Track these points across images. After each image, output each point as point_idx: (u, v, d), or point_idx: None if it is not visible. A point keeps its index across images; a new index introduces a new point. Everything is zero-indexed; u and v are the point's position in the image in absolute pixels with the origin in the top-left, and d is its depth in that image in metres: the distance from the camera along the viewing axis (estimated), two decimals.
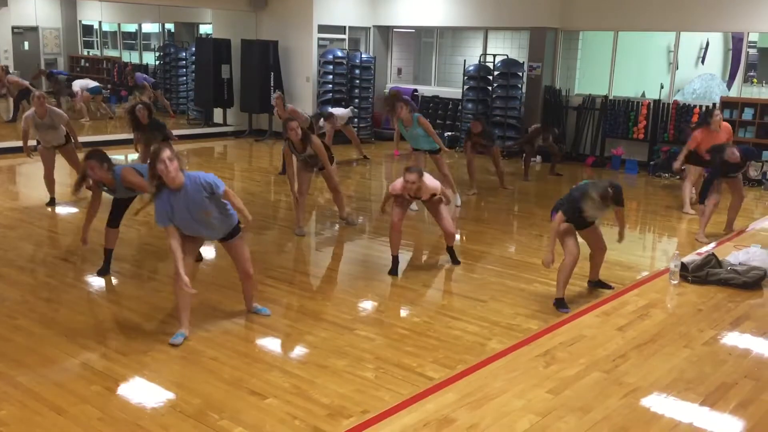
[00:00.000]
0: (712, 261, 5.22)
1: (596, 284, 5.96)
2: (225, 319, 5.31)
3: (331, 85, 14.38)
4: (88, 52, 21.53)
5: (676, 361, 3.79)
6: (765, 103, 11.79)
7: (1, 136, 13.31)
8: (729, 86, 14.28)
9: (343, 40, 15.29)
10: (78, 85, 16.32)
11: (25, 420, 3.84)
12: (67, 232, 7.81)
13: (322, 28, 14.60)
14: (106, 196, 6.16)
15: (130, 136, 9.72)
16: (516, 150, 12.75)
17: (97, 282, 6.16)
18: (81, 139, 9.22)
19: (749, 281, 4.99)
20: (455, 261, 6.81)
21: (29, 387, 4.17)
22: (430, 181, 6.43)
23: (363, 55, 15.03)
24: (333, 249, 7.69)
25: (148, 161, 4.67)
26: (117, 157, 12.71)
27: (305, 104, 14.53)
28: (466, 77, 14.03)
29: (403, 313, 5.70)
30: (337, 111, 12.37)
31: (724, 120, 9.27)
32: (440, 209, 6.62)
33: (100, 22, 21.66)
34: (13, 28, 19.38)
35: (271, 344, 5.04)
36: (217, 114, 15.59)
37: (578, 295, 5.76)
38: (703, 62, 15.43)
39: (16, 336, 4.95)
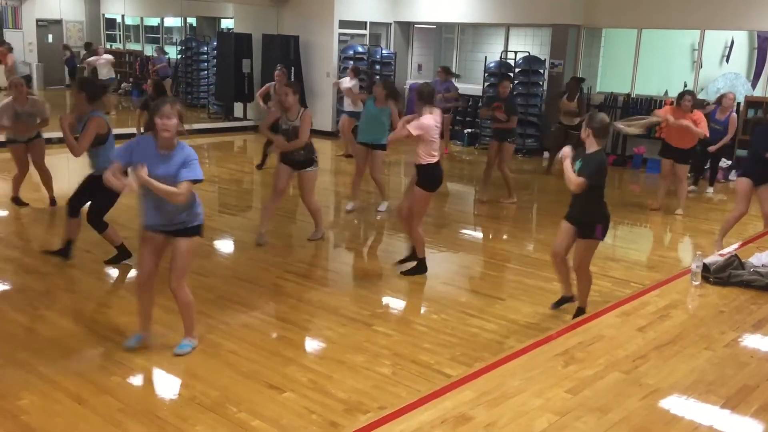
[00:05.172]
0: (734, 262, 5.15)
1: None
2: (244, 312, 5.34)
3: None
4: (111, 45, 21.67)
5: (697, 362, 3.74)
6: None
7: None
8: (754, 85, 14.10)
9: (363, 35, 15.28)
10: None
11: (46, 409, 3.88)
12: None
13: (343, 24, 14.60)
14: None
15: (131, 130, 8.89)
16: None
17: (118, 273, 6.21)
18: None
19: None
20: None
21: (50, 377, 4.22)
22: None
23: (384, 51, 15.01)
24: (351, 244, 7.69)
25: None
26: None
27: (325, 100, 14.56)
28: (486, 74, 13.96)
29: (421, 310, 5.69)
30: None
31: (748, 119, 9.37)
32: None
33: (123, 16, 21.82)
34: (37, 20, 19.56)
35: (289, 338, 5.06)
36: (238, 108, 15.65)
37: (598, 294, 5.72)
38: (727, 61, 15.23)
39: (38, 326, 5.01)
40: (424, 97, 5.99)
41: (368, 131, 8.38)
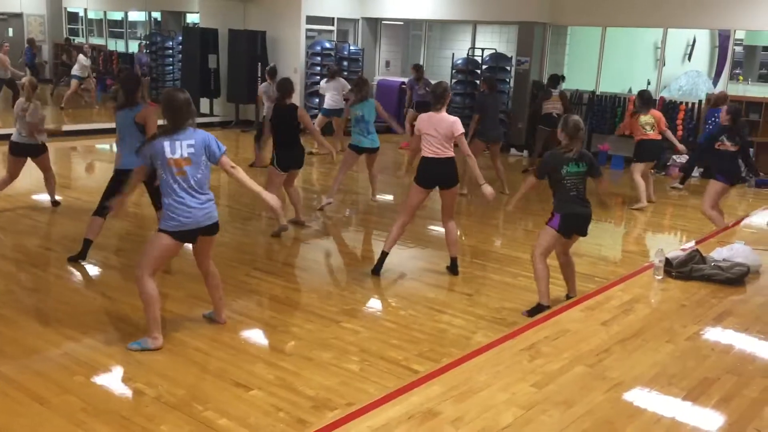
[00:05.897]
0: (696, 257, 5.25)
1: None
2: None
3: (318, 77, 14.31)
4: (74, 39, 21.29)
5: (660, 356, 3.80)
6: (750, 101, 11.87)
7: None
8: (715, 83, 14.38)
9: (331, 31, 15.23)
10: None
11: (7, 410, 3.81)
12: (52, 221, 7.74)
13: (311, 19, 14.53)
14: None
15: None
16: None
17: (81, 272, 6.12)
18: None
19: (732, 277, 5.02)
20: None
21: (11, 377, 4.14)
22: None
23: (351, 47, 14.98)
24: (319, 241, 7.67)
25: None
26: (103, 146, 12.63)
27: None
28: (454, 71, 14.02)
29: (389, 306, 5.70)
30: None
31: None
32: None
33: (85, 10, 21.44)
34: None
35: (256, 336, 5.03)
36: (204, 104, 15.49)
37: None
38: (689, 59, 15.52)
39: None
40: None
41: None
